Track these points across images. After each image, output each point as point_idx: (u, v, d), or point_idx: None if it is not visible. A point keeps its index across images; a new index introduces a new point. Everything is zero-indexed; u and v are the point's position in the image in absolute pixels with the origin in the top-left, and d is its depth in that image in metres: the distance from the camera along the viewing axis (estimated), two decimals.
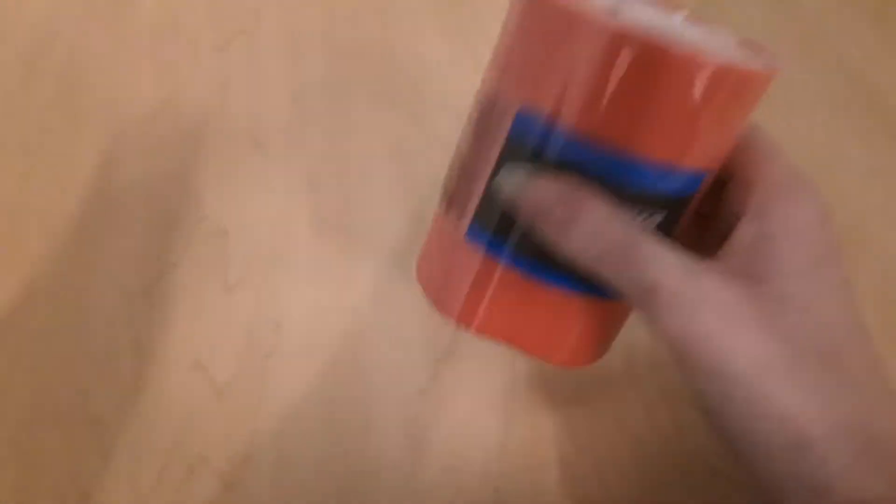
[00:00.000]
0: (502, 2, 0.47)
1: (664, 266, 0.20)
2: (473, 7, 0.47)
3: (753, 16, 0.45)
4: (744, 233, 0.22)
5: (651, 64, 0.17)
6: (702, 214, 0.25)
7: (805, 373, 0.19)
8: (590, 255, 0.20)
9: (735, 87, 0.18)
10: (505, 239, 0.22)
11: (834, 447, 0.19)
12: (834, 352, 0.20)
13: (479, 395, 0.33)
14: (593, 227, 0.20)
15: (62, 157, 0.46)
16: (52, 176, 0.45)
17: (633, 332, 0.26)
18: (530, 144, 0.20)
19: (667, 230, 0.22)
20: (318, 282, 0.37)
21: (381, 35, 0.47)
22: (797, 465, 0.19)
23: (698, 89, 0.17)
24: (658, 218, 0.21)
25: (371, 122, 0.43)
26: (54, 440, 0.34)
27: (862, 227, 0.38)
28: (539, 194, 0.20)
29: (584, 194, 0.20)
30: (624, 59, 0.17)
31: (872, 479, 0.19)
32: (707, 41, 0.20)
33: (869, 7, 0.43)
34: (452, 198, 0.23)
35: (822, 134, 0.40)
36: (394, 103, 0.44)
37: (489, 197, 0.21)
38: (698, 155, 0.20)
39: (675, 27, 0.21)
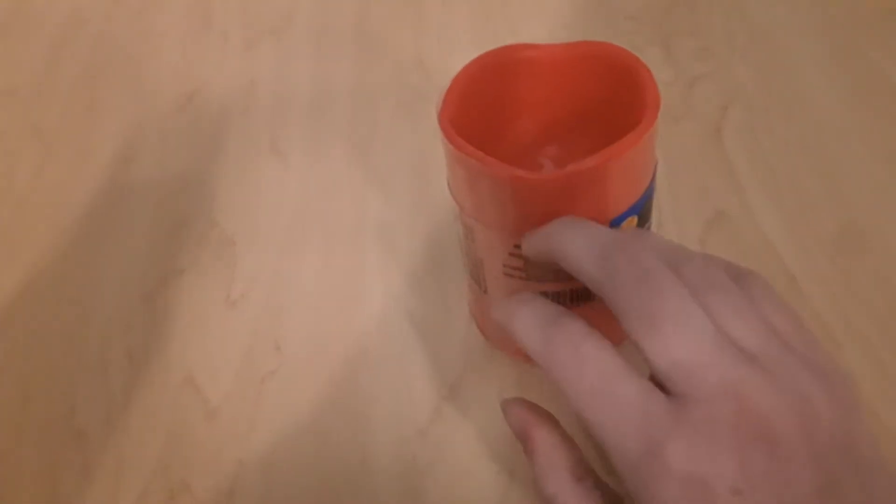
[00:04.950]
0: (538, 18, 0.45)
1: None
2: (509, 21, 0.45)
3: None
4: None
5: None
6: None
7: None
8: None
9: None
10: None
11: None
12: None
13: (482, 443, 0.30)
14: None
15: (78, 149, 0.44)
16: (66, 167, 0.43)
17: None
18: None
19: None
20: (324, 303, 0.35)
21: (413, 46, 0.45)
22: None
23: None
24: None
25: (395, 135, 0.41)
26: (36, 451, 0.32)
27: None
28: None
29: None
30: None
31: None
32: None
33: None
34: None
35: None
36: (420, 117, 0.41)
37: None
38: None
39: None
